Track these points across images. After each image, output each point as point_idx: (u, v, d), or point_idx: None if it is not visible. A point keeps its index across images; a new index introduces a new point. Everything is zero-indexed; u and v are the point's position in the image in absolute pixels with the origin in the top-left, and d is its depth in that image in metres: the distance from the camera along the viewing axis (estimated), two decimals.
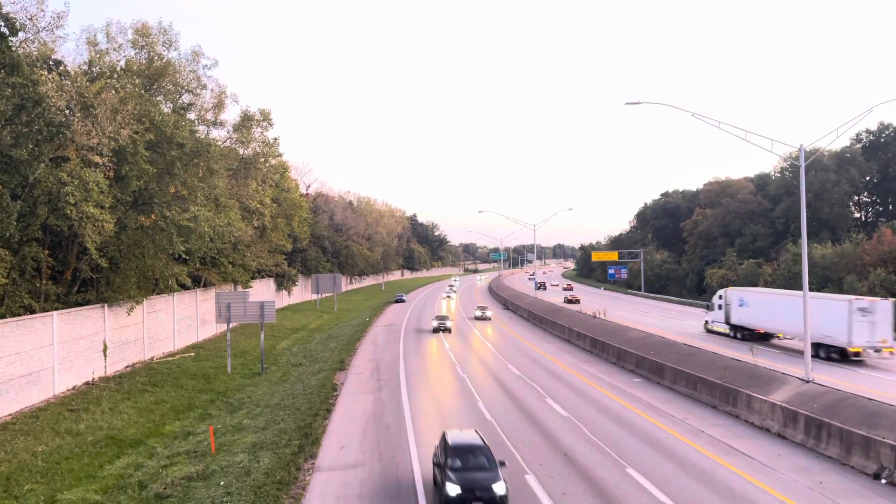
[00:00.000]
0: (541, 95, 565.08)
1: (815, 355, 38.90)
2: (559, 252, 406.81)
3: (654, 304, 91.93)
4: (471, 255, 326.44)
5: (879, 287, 69.38)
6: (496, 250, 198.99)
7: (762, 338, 49.00)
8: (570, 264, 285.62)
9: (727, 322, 52.11)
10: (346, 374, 34.56)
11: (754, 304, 49.15)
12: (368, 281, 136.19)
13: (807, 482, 17.78)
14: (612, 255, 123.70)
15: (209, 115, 44.31)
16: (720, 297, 53.85)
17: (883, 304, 39.32)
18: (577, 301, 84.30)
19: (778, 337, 47.11)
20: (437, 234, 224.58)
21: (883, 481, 17.71)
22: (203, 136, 41.14)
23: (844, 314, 38.95)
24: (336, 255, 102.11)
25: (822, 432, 20.67)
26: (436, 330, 53.54)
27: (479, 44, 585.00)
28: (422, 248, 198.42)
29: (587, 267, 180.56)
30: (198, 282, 46.15)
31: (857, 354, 38.59)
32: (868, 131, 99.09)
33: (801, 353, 37.16)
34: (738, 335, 50.08)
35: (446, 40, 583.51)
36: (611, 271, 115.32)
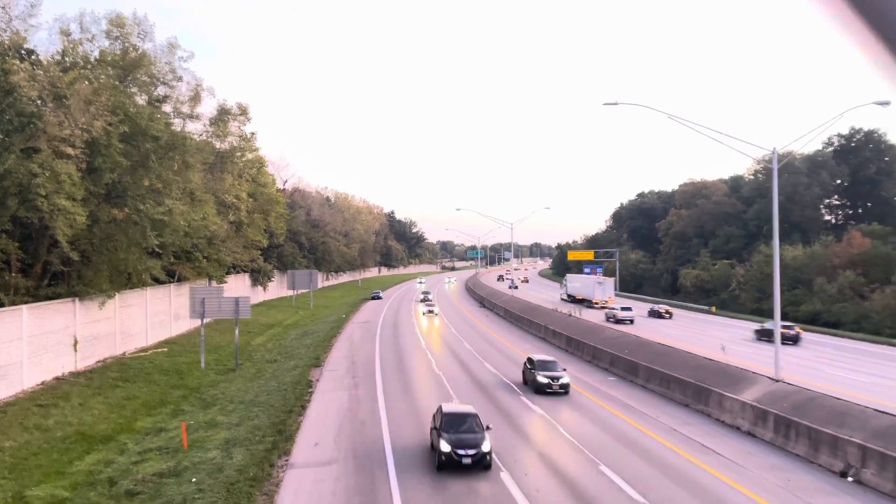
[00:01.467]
0: (519, 95, 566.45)
1: (586, 307, 76.06)
2: (536, 251, 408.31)
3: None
4: (448, 253, 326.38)
5: (848, 289, 70.74)
6: (473, 248, 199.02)
7: (581, 301, 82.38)
8: (547, 263, 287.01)
9: (567, 294, 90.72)
10: (322, 371, 34.42)
11: (575, 283, 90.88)
12: (345, 278, 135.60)
13: (776, 480, 18.08)
14: (588, 255, 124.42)
15: (185, 108, 43.68)
16: (566, 279, 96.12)
17: (609, 279, 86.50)
18: (517, 287, 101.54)
19: (595, 302, 78.28)
20: (414, 231, 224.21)
21: (849, 479, 18.07)
22: (179, 130, 40.62)
23: (592, 284, 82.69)
24: (313, 252, 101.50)
25: (791, 431, 21.04)
26: (445, 466, 18.24)
27: (458, 42, 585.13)
28: (399, 245, 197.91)
29: (563, 266, 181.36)
30: (172, 276, 45.61)
31: (597, 304, 77.41)
32: (840, 135, 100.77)
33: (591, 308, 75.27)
34: (571, 300, 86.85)
35: (425, 37, 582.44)
36: (586, 270, 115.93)
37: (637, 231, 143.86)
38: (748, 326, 60.02)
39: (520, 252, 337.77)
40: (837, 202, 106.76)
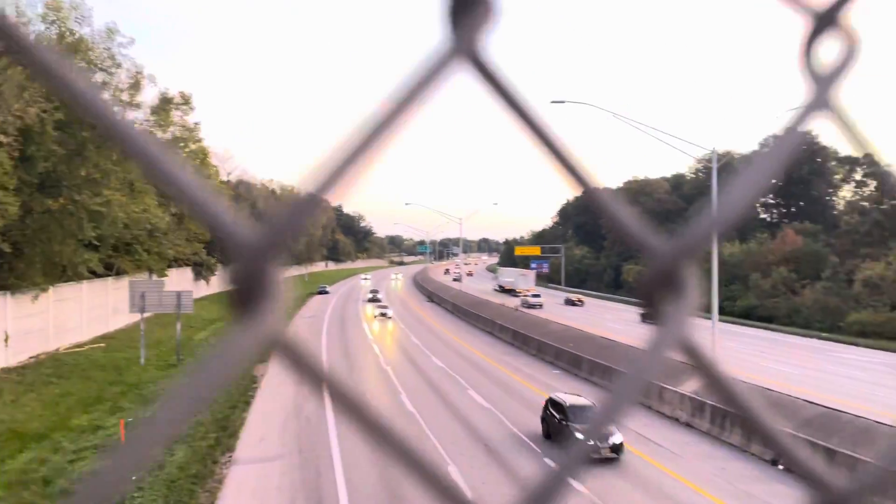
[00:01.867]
0: (468, 89, 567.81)
1: (512, 295, 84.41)
2: (484, 246, 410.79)
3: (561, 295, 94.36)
4: (397, 248, 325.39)
5: (781, 284, 73.61)
6: (423, 243, 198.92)
7: (509, 291, 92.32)
8: (495, 258, 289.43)
9: (498, 285, 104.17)
10: (267, 367, 33.95)
11: (504, 276, 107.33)
12: (291, 272, 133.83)
13: (711, 469, 18.75)
14: (535, 250, 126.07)
15: (125, 96, 42.29)
16: (498, 272, 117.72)
17: (530, 272, 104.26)
18: (460, 280, 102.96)
19: (518, 291, 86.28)
20: (362, 225, 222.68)
21: (780, 467, 18.87)
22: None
23: (516, 276, 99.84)
24: None
25: (726, 421, 21.83)
26: None
27: (404, 31, 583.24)
28: (347, 239, 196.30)
29: (510, 261, 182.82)
30: (110, 270, 44.22)
31: (520, 292, 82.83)
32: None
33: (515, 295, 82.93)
34: (501, 290, 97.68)
35: (369, 26, 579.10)
36: (533, 266, 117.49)
37: (582, 227, 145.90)
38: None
39: (469, 247, 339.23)
40: (772, 201, 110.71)
